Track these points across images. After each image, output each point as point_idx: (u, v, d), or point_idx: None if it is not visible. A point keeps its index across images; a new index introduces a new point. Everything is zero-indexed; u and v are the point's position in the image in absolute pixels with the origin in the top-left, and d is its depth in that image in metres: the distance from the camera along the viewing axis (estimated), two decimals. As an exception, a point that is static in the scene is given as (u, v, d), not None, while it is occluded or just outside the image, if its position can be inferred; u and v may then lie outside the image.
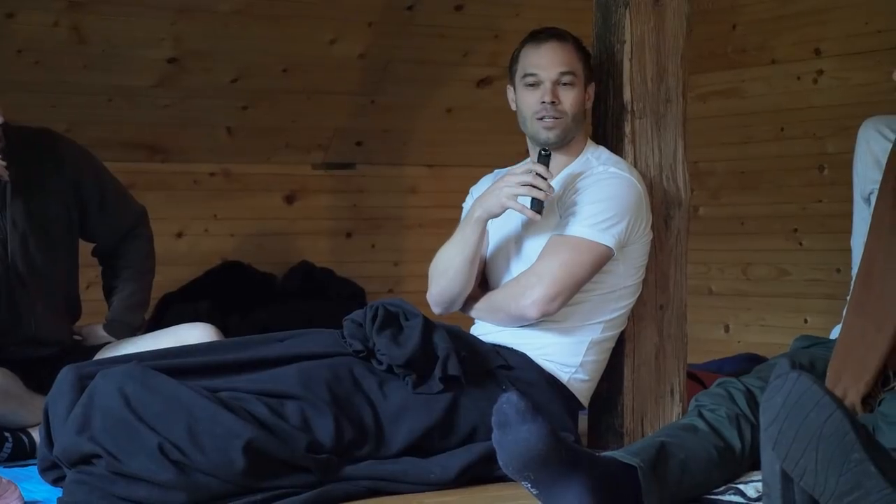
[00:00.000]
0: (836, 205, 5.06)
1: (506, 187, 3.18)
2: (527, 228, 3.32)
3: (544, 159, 3.22)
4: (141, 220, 3.88)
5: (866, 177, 3.27)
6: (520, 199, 3.17)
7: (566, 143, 3.32)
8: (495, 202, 3.20)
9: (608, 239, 3.19)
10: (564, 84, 3.29)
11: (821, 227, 5.33)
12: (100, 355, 3.52)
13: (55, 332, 3.67)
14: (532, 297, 3.18)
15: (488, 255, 3.39)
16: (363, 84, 5.49)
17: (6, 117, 3.47)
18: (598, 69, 3.46)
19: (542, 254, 3.22)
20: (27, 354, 3.55)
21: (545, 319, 3.21)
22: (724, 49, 5.68)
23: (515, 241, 3.35)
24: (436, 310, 3.40)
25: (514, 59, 3.37)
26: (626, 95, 3.44)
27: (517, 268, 3.33)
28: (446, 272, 3.32)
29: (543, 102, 3.27)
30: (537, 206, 3.16)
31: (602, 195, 3.23)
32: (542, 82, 3.29)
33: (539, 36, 3.34)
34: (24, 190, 3.55)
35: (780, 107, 5.49)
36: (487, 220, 3.26)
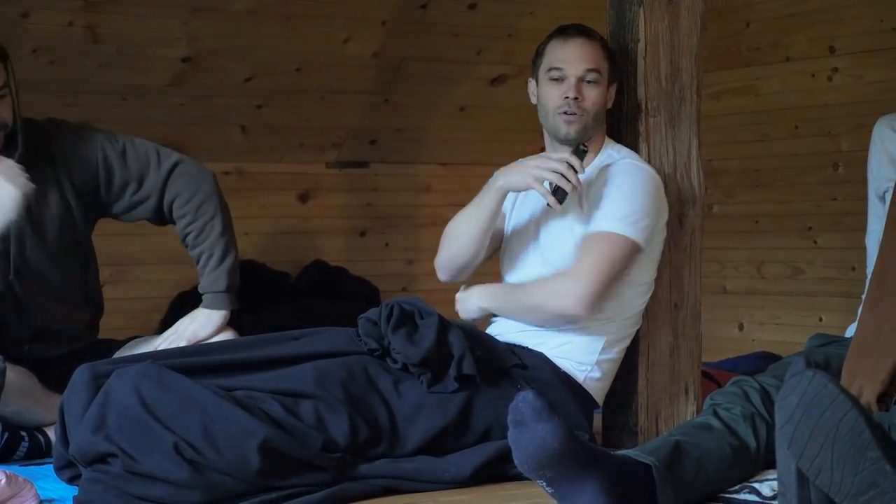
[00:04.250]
0: (851, 203, 5.05)
1: (535, 168, 3.18)
2: (548, 215, 3.31)
3: (581, 153, 3.22)
4: (165, 154, 3.63)
5: (881, 175, 3.27)
6: (545, 183, 3.18)
7: (585, 139, 3.32)
8: (520, 179, 3.21)
9: (637, 233, 3.20)
10: (589, 81, 3.29)
11: (835, 226, 5.32)
12: (119, 354, 3.51)
13: (69, 330, 3.65)
14: (576, 296, 3.16)
15: (507, 233, 3.39)
16: (377, 83, 5.49)
17: (4, 118, 3.42)
18: (612, 67, 3.46)
19: (581, 252, 3.20)
20: (42, 353, 3.55)
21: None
22: (738, 47, 5.67)
23: (535, 227, 3.34)
24: (441, 276, 3.40)
25: (540, 53, 3.36)
26: (641, 94, 3.44)
27: (532, 253, 3.34)
28: (458, 238, 3.31)
29: (566, 98, 3.27)
30: (561, 195, 3.17)
31: (629, 189, 3.23)
32: (566, 77, 3.28)
33: (567, 31, 3.34)
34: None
35: (794, 105, 5.48)
36: (507, 192, 3.26)
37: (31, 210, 3.48)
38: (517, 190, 3.25)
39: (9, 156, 3.45)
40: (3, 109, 3.42)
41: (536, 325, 3.28)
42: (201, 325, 3.59)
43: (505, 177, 3.24)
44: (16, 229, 3.46)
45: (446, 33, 5.42)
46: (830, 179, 5.34)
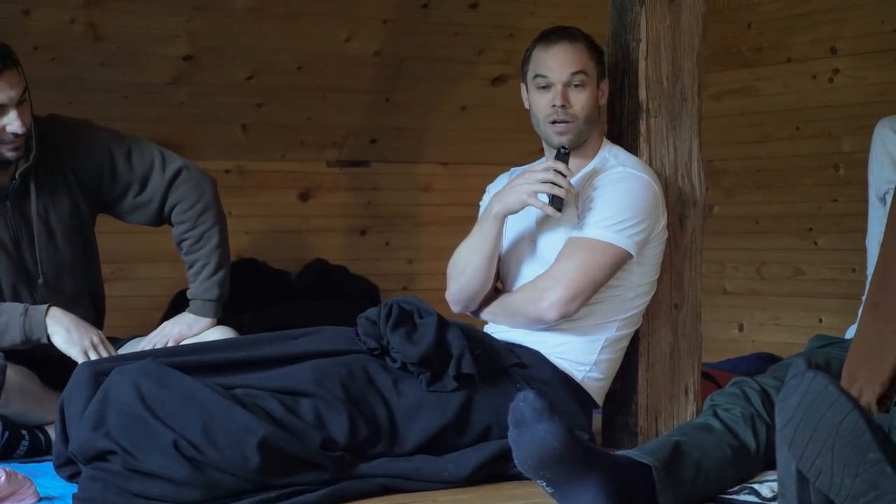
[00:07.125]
0: (852, 204, 5.05)
1: (526, 184, 3.18)
2: (542, 226, 3.32)
3: (564, 157, 3.22)
4: (170, 159, 3.63)
5: (882, 176, 3.27)
6: (539, 195, 3.18)
7: (580, 143, 3.32)
8: (515, 199, 3.20)
9: (625, 241, 3.19)
10: (576, 86, 3.28)
11: (836, 227, 5.32)
12: (120, 353, 3.51)
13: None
14: (550, 300, 3.17)
15: (504, 250, 3.39)
16: (378, 82, 5.49)
17: (27, 123, 3.44)
18: (613, 68, 3.46)
19: (559, 256, 3.22)
20: (44, 352, 3.55)
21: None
22: (740, 48, 5.67)
23: (530, 239, 3.35)
24: (455, 308, 3.40)
25: (526, 60, 3.37)
26: (642, 94, 3.43)
27: (531, 266, 3.33)
28: (465, 270, 3.32)
29: (554, 106, 3.27)
30: (557, 203, 3.17)
31: (619, 196, 3.22)
32: (552, 84, 3.28)
33: (550, 37, 3.33)
34: (37, 187, 3.53)
35: (795, 105, 5.48)
36: (506, 217, 3.26)
37: (44, 217, 3.53)
38: (515, 211, 3.24)
39: (25, 157, 3.48)
40: (25, 115, 3.44)
41: (517, 328, 3.28)
42: (187, 326, 3.63)
43: (500, 201, 3.24)
44: (32, 229, 3.50)
45: (447, 32, 5.42)
46: (831, 181, 5.34)
